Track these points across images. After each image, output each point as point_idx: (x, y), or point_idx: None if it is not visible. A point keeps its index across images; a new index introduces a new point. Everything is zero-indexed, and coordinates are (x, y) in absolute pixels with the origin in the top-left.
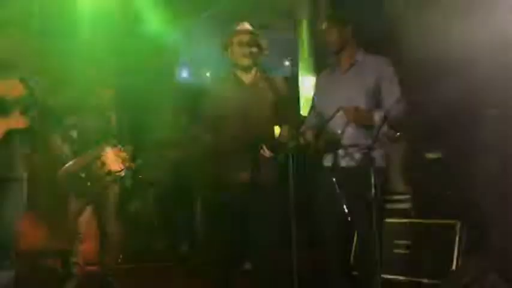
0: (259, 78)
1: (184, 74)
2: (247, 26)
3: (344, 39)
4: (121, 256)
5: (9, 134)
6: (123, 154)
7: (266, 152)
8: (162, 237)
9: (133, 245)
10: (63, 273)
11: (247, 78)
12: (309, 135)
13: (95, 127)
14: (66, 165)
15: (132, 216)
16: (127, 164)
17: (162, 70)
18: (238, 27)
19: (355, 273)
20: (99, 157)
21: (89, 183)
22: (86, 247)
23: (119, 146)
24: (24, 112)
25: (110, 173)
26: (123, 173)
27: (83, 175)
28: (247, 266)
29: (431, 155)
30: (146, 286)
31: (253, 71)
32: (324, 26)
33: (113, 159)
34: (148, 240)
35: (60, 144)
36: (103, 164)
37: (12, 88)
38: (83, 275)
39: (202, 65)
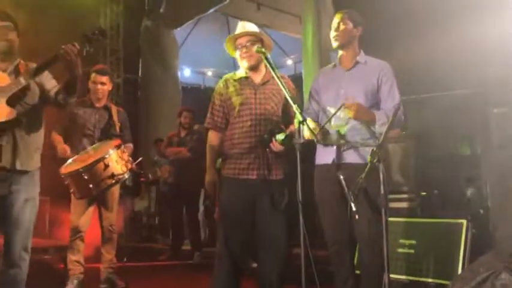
0: (269, 76)
1: (186, 73)
2: (247, 27)
3: (352, 36)
4: (125, 259)
5: None
6: (126, 156)
7: (276, 146)
8: (164, 235)
9: (136, 243)
10: (65, 271)
11: (256, 77)
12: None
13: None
14: (67, 163)
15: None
16: (130, 166)
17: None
18: (238, 30)
19: (357, 272)
20: (103, 159)
21: (91, 186)
22: (88, 245)
23: (122, 147)
24: (11, 103)
25: (113, 176)
26: (126, 176)
27: (86, 177)
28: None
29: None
30: (148, 284)
31: (262, 69)
32: (335, 19)
33: (117, 162)
34: (151, 238)
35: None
36: (106, 166)
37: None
38: (85, 273)
39: (204, 63)
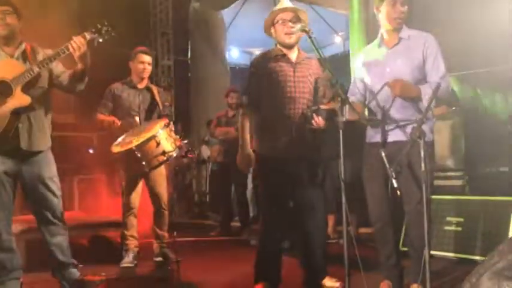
0: (303, 56)
1: (234, 54)
2: (289, 3)
3: (407, 15)
4: (175, 233)
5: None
6: (173, 134)
7: (320, 121)
8: (214, 212)
9: (189, 220)
10: (121, 245)
11: (292, 55)
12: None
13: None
14: (117, 142)
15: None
16: (178, 144)
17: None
18: (281, 5)
19: (404, 249)
20: (154, 137)
21: (144, 163)
22: (142, 221)
23: (170, 126)
24: (25, 90)
25: (164, 153)
26: (175, 153)
27: (139, 154)
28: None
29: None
30: (200, 258)
31: (296, 49)
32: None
33: (166, 139)
34: (203, 215)
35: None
36: (158, 144)
37: (12, 68)
38: (140, 247)
39: (252, 44)
